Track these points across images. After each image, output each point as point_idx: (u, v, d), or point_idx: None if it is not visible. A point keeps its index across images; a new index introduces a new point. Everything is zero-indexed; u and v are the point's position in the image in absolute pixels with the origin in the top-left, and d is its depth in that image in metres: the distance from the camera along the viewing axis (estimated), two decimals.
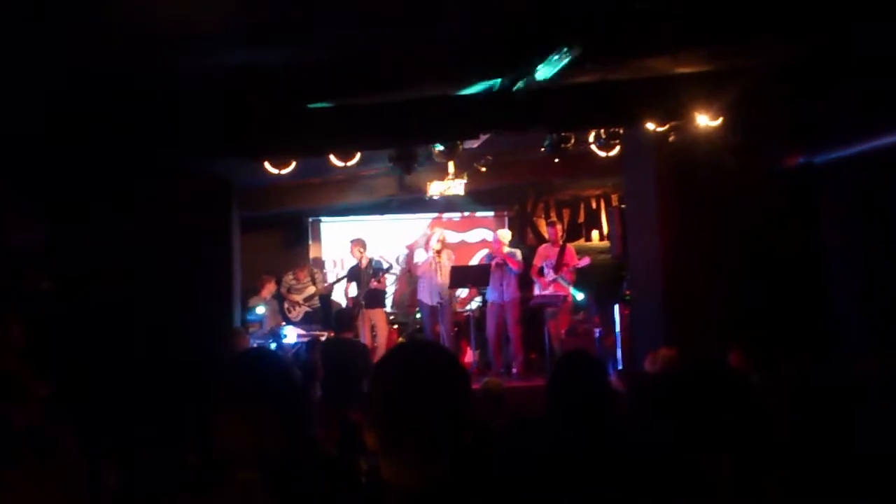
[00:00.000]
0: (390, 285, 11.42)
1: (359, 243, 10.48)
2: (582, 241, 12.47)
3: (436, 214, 12.14)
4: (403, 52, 5.54)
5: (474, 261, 11.56)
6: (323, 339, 9.12)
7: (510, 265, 9.93)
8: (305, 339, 9.56)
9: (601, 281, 10.46)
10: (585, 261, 10.30)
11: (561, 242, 10.54)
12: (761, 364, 5.36)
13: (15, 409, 4.62)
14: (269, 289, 10.84)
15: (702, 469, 1.74)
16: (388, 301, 11.51)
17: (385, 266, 10.49)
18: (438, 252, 10.18)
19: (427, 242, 10.66)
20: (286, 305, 10.79)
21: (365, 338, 9.86)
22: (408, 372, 1.57)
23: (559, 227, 11.14)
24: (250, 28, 4.75)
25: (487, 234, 12.32)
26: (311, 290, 10.77)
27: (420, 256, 10.63)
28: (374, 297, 10.29)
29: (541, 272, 10.30)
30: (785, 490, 2.36)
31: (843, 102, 7.13)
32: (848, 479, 2.39)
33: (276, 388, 2.11)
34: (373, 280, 10.15)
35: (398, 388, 1.56)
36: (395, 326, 11.28)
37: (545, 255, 10.41)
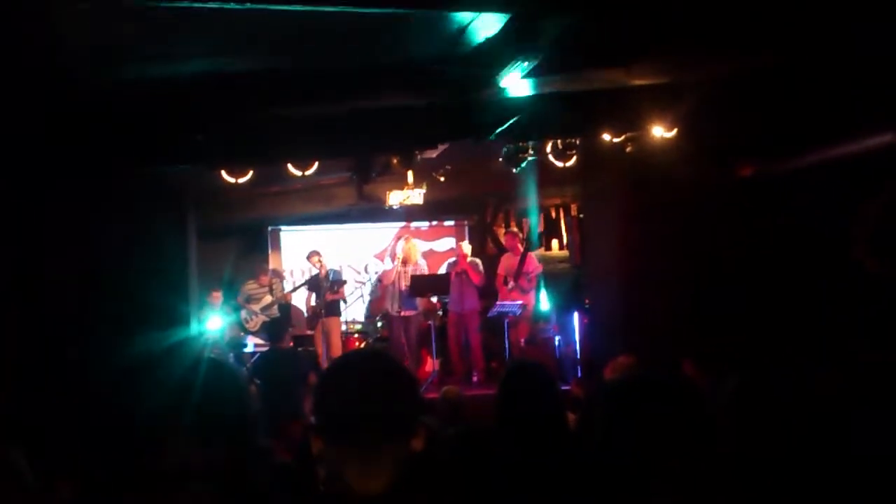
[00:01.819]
0: (350, 295, 11.40)
1: (315, 254, 10.51)
2: (542, 251, 12.54)
3: (395, 224, 12.13)
4: (360, 65, 5.56)
5: (443, 269, 11.58)
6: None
7: (471, 277, 9.98)
8: (263, 350, 9.49)
9: (561, 289, 10.54)
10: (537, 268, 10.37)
11: (521, 251, 10.60)
12: (713, 373, 5.42)
13: None
14: (217, 297, 10.75)
15: (653, 476, 1.76)
16: (363, 310, 11.52)
17: (342, 279, 10.48)
18: (404, 262, 10.22)
19: (392, 252, 10.69)
20: (243, 315, 10.69)
21: (320, 346, 9.90)
22: (352, 379, 1.59)
23: (519, 236, 11.19)
24: (208, 39, 4.74)
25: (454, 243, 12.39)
26: (269, 299, 10.69)
27: (386, 265, 10.64)
28: (330, 307, 10.29)
29: (505, 282, 10.37)
30: (733, 497, 2.41)
31: (797, 111, 7.26)
32: (795, 485, 2.44)
33: (227, 398, 2.11)
34: (328, 292, 10.15)
35: (342, 395, 1.57)
36: (356, 335, 11.27)
37: (507, 265, 10.47)
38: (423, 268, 10.54)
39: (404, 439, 1.56)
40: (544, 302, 10.23)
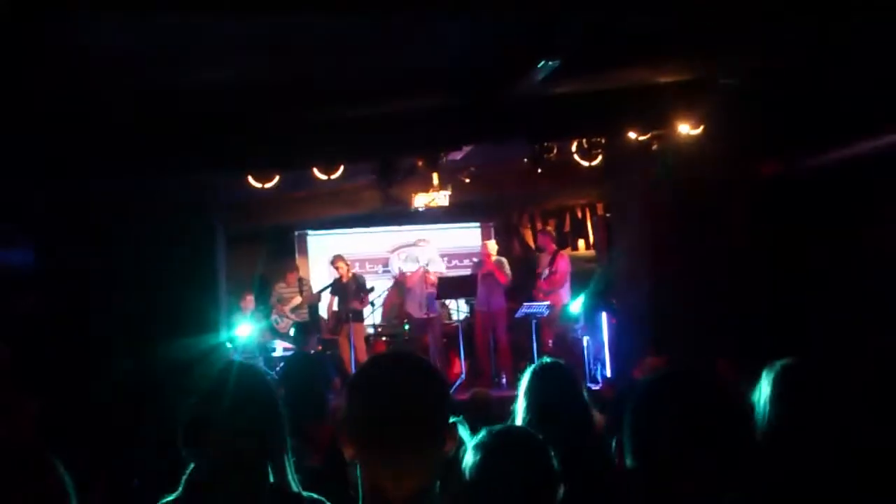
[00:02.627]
0: (377, 299, 11.39)
1: (339, 259, 10.46)
2: (568, 251, 12.50)
3: (422, 226, 12.12)
4: (385, 69, 5.57)
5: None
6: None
7: (498, 278, 9.96)
8: (290, 354, 9.53)
9: (588, 290, 10.50)
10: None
11: (554, 249, 10.60)
12: (749, 372, 5.37)
13: (2, 426, 4.59)
14: (249, 301, 10.84)
15: (685, 474, 1.74)
16: (377, 314, 11.53)
17: (368, 287, 10.45)
18: (428, 264, 10.24)
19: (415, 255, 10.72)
20: (274, 317, 10.72)
21: (345, 351, 9.91)
22: (383, 382, 1.57)
23: (552, 234, 11.22)
24: (234, 43, 4.77)
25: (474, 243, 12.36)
26: (298, 300, 10.71)
27: (410, 268, 10.63)
28: (356, 312, 10.28)
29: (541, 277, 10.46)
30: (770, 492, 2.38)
31: (823, 110, 7.19)
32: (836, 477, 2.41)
33: (257, 400, 2.13)
34: (355, 300, 10.12)
35: (373, 398, 1.56)
36: (384, 339, 11.27)
37: (542, 264, 10.51)
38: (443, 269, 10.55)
39: (437, 442, 1.55)
40: (574, 303, 10.18)
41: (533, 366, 3.26)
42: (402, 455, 1.51)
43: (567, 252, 11.21)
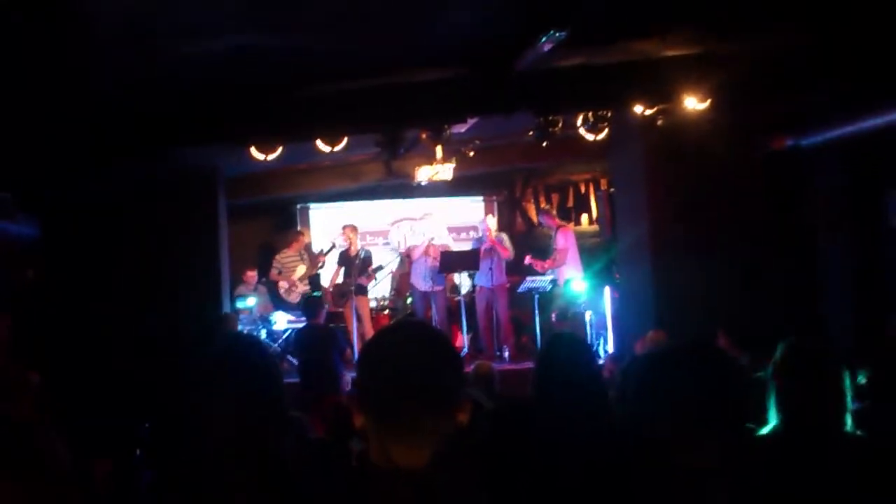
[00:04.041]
0: (383, 273, 11.32)
1: (351, 229, 10.33)
2: (571, 226, 12.48)
3: (424, 199, 12.05)
4: (391, 40, 5.51)
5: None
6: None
7: (500, 251, 9.95)
8: (296, 325, 9.49)
9: (591, 264, 10.48)
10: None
11: (557, 224, 10.57)
12: (748, 346, 5.38)
13: (3, 401, 4.59)
14: (252, 276, 10.79)
15: (691, 447, 1.73)
16: (386, 286, 11.50)
17: (376, 266, 10.39)
18: (434, 238, 10.22)
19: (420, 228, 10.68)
20: (282, 288, 10.65)
21: (350, 323, 9.87)
22: (397, 351, 1.55)
23: (552, 212, 11.20)
24: (239, 13, 4.72)
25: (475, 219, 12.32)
26: (303, 268, 10.63)
27: (415, 241, 10.60)
28: (360, 286, 10.24)
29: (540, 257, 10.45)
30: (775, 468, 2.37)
31: (830, 84, 7.13)
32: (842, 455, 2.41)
33: (258, 372, 2.11)
34: (362, 276, 10.06)
35: (387, 367, 1.53)
36: (386, 312, 11.26)
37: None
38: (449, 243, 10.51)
39: (449, 412, 1.52)
40: (577, 281, 10.15)
41: (548, 337, 3.25)
42: (417, 424, 1.49)
43: (570, 227, 11.16)
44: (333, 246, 10.51)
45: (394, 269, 11.55)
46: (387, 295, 11.76)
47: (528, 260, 10.38)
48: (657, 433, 1.74)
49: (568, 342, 3.08)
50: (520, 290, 10.03)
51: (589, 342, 9.08)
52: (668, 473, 1.71)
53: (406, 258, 11.08)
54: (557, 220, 10.77)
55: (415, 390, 1.49)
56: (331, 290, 10.59)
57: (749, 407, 1.86)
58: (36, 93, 5.57)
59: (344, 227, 10.44)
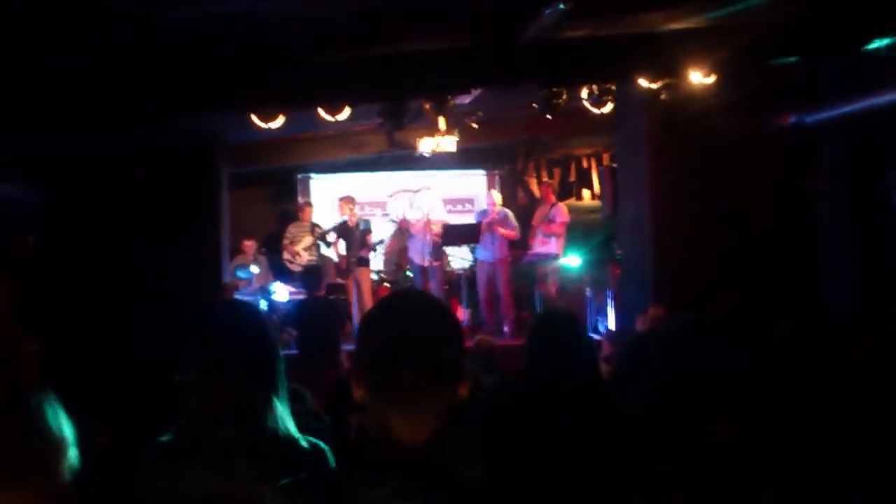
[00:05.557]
0: (380, 246, 11.28)
1: (348, 200, 10.25)
2: (573, 201, 12.44)
3: (426, 172, 12.00)
4: (396, 8, 5.45)
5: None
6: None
7: (506, 234, 9.94)
8: (298, 297, 9.47)
9: (592, 240, 10.46)
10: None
11: (553, 201, 10.54)
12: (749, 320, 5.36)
13: (4, 366, 4.58)
14: (250, 246, 10.76)
15: (689, 422, 1.73)
16: (380, 260, 11.46)
17: (377, 241, 10.35)
18: (431, 212, 10.18)
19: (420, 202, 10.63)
20: (287, 257, 10.63)
21: (350, 295, 9.85)
22: (397, 320, 1.52)
23: (552, 185, 11.15)
24: None
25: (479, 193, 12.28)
26: (309, 239, 10.60)
27: (414, 215, 10.56)
28: (361, 258, 10.21)
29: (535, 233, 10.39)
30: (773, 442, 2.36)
31: (835, 62, 7.07)
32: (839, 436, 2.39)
33: (253, 340, 2.09)
34: (361, 246, 10.03)
35: (387, 336, 1.50)
36: (386, 285, 11.25)
37: (540, 215, 10.46)
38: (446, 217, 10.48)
39: (450, 384, 1.50)
40: (570, 257, 10.14)
41: (538, 315, 3.24)
42: (417, 396, 1.46)
43: (565, 205, 11.12)
44: (337, 238, 10.42)
45: (389, 238, 11.53)
46: (385, 268, 11.71)
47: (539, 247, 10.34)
48: (656, 407, 1.74)
49: (560, 317, 3.06)
50: (522, 262, 10.03)
51: (585, 318, 9.08)
52: (665, 448, 1.72)
53: (404, 230, 11.04)
54: (554, 197, 10.74)
55: (414, 360, 1.46)
56: (337, 261, 10.53)
57: (747, 381, 1.87)
58: (36, 56, 5.52)
59: (340, 200, 10.36)
